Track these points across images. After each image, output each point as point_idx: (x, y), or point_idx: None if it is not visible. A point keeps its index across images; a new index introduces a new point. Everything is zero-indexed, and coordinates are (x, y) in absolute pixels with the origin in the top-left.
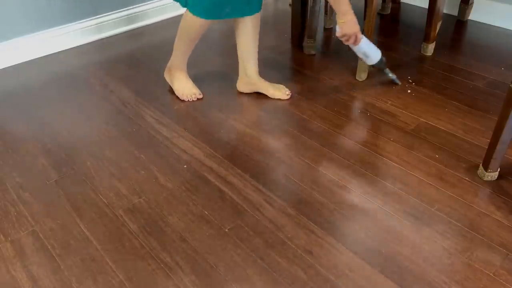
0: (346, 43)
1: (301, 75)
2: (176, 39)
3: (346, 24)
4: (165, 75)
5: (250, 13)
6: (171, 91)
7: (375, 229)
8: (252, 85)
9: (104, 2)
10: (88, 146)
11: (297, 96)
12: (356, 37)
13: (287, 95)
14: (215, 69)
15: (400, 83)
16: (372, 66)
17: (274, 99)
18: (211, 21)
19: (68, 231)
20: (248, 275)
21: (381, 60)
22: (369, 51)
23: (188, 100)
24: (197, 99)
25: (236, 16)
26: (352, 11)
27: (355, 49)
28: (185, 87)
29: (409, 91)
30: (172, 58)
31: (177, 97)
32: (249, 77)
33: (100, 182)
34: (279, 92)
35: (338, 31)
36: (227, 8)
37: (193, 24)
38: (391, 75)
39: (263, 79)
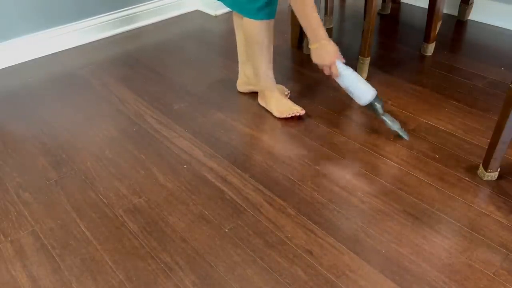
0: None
1: (301, 75)
2: (253, 57)
3: (317, 52)
4: (259, 102)
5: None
6: (171, 91)
7: (375, 229)
8: (251, 85)
9: (103, 2)
10: (88, 146)
11: (297, 95)
12: (330, 69)
13: (286, 95)
14: (215, 69)
15: (407, 139)
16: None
17: None
18: (264, 22)
19: (68, 231)
20: (248, 275)
21: (372, 102)
22: (354, 89)
23: (290, 116)
24: (299, 114)
25: (267, 18)
26: (326, 39)
27: (338, 81)
28: (284, 106)
29: (409, 91)
30: (260, 79)
31: (275, 116)
32: (248, 78)
33: (100, 182)
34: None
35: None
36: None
37: (252, 30)
38: (391, 124)
39: None
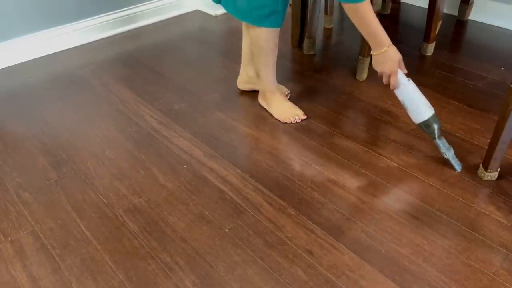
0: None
1: (301, 75)
2: (257, 61)
3: (378, 59)
4: (260, 101)
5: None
6: (171, 91)
7: (375, 229)
8: (252, 84)
9: (103, 2)
10: (88, 146)
11: (297, 96)
12: (389, 78)
13: (286, 95)
14: (215, 69)
15: (459, 170)
16: (419, 127)
17: None
18: (272, 30)
19: (68, 231)
20: (248, 275)
21: (428, 123)
22: (409, 103)
23: (292, 122)
24: (301, 120)
25: (272, 26)
26: (389, 45)
27: (395, 92)
28: (285, 110)
29: None
30: (262, 82)
31: (276, 118)
32: (250, 77)
33: (100, 182)
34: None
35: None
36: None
37: (260, 36)
38: (445, 151)
39: None
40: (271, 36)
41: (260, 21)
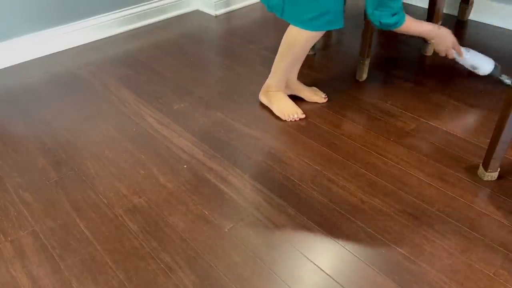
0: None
1: (301, 75)
2: (278, 59)
3: (437, 41)
4: (260, 98)
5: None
6: (171, 91)
7: (375, 229)
8: (287, 88)
9: (104, 2)
10: (88, 146)
11: (296, 96)
12: (454, 50)
13: (324, 98)
14: (215, 69)
15: None
16: (488, 76)
17: None
18: (317, 34)
19: (68, 231)
20: (248, 275)
21: (495, 68)
22: (477, 63)
23: (290, 120)
24: (299, 118)
25: (334, 27)
26: (437, 28)
27: (461, 62)
28: (287, 107)
29: (409, 91)
30: (271, 78)
31: (277, 117)
32: (288, 81)
33: (100, 182)
34: (316, 96)
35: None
36: (329, 17)
37: (299, 38)
38: (507, 81)
39: (301, 83)
40: (315, 37)
41: (322, 27)
